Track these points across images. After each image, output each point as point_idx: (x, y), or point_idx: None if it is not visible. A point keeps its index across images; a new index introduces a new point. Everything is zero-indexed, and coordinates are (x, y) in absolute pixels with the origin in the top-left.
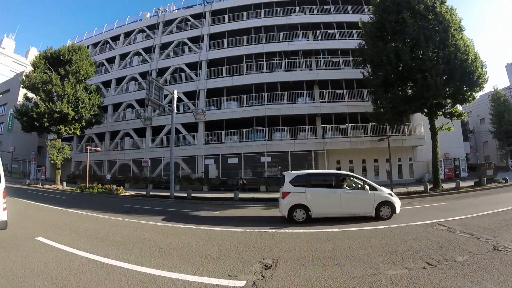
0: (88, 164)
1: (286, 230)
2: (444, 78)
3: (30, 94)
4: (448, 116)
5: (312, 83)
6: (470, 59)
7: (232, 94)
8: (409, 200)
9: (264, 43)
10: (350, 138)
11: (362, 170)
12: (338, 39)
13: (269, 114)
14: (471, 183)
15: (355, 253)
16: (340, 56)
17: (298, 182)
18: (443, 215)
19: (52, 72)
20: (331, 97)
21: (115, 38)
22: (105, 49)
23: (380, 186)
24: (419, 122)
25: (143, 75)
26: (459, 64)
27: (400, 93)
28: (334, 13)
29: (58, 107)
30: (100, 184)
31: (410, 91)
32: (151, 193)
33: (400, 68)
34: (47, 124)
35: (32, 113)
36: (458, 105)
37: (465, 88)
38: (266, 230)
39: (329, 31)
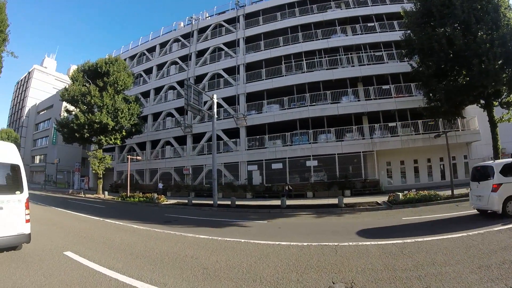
0: (129, 173)
1: (351, 244)
2: (499, 62)
3: (70, 107)
4: (505, 106)
5: (356, 80)
6: None
7: (273, 97)
8: None
9: (302, 42)
10: (401, 137)
11: (414, 171)
12: (379, 32)
13: (313, 115)
14: None
15: (443, 271)
16: (383, 49)
17: (507, 172)
18: None
19: (90, 84)
20: (377, 94)
21: (151, 50)
22: (142, 61)
23: (436, 187)
24: (472, 115)
25: (181, 83)
26: None
27: (457, 81)
28: (371, 5)
29: (97, 117)
30: (141, 193)
31: (464, 80)
32: (193, 201)
33: (451, 55)
34: (88, 134)
35: (72, 125)
36: None
37: None
38: (327, 244)
39: (369, 24)
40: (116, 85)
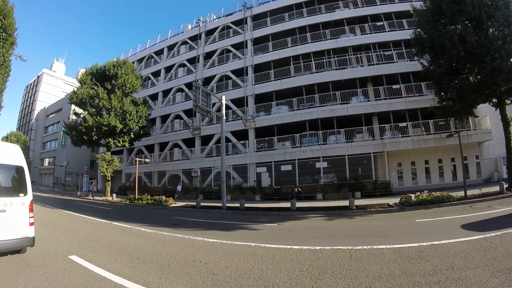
0: (138, 176)
1: (365, 247)
2: None
3: (79, 110)
4: None
5: (365, 80)
6: None
7: (282, 98)
8: (487, 203)
9: (311, 42)
10: (412, 137)
11: (425, 172)
12: (388, 31)
13: (322, 116)
14: None
15: (463, 275)
16: (392, 48)
17: None
18: None
19: (98, 87)
20: (387, 94)
21: (159, 52)
22: (150, 64)
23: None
24: (484, 114)
25: (189, 85)
26: None
27: (469, 79)
28: (380, 4)
29: (105, 120)
30: (149, 195)
31: (476, 78)
32: (201, 204)
33: (463, 53)
34: (96, 137)
35: (81, 127)
36: None
37: None
38: (341, 248)
39: (378, 23)
40: (124, 87)
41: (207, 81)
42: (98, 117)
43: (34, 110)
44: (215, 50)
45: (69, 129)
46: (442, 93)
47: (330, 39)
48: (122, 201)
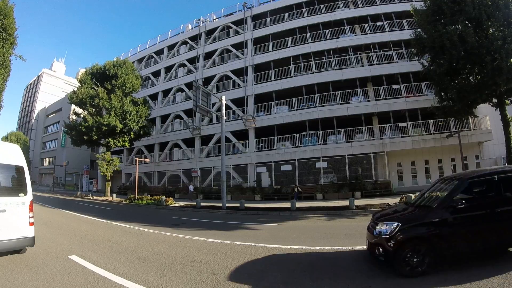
0: (137, 176)
1: (365, 247)
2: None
3: (79, 110)
4: None
5: (365, 80)
6: None
7: (282, 98)
8: None
9: (311, 42)
10: (411, 137)
11: (425, 172)
12: (388, 31)
13: (322, 116)
14: None
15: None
16: (392, 48)
17: None
18: None
19: (98, 87)
20: (387, 94)
21: (159, 52)
22: (150, 64)
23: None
24: (484, 114)
25: (189, 85)
26: None
27: (469, 79)
28: (380, 4)
29: (105, 120)
30: (149, 195)
31: (476, 78)
32: (201, 203)
33: (463, 53)
34: (96, 137)
35: (81, 127)
36: None
37: None
38: (341, 248)
39: (378, 24)
40: (124, 87)
41: (207, 81)
42: (98, 117)
43: (34, 110)
44: (215, 50)
45: (69, 129)
46: (442, 93)
47: (330, 39)
48: (122, 201)
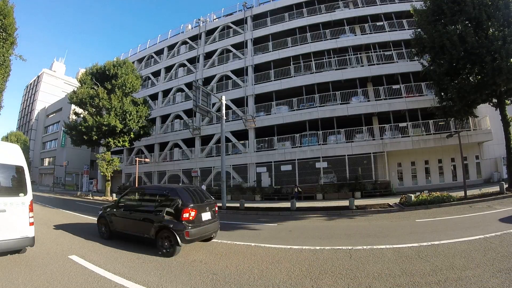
0: (138, 176)
1: (365, 247)
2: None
3: (79, 110)
4: None
5: (366, 80)
6: None
7: (282, 98)
8: (487, 203)
9: (311, 42)
10: (411, 137)
11: (425, 172)
12: (388, 31)
13: (322, 116)
14: None
15: (462, 275)
16: (392, 48)
17: None
18: None
19: (98, 87)
20: (387, 94)
21: (159, 52)
22: (150, 64)
23: (448, 189)
24: (484, 114)
25: (189, 85)
26: None
27: (469, 79)
28: (380, 4)
29: (105, 120)
30: None
31: (476, 78)
32: None
33: (463, 53)
34: (96, 137)
35: (81, 127)
36: None
37: None
38: (341, 248)
39: (378, 23)
40: (124, 87)
41: (207, 81)
42: (98, 117)
43: (34, 110)
44: (215, 50)
45: (69, 129)
46: (442, 93)
47: (330, 39)
48: None
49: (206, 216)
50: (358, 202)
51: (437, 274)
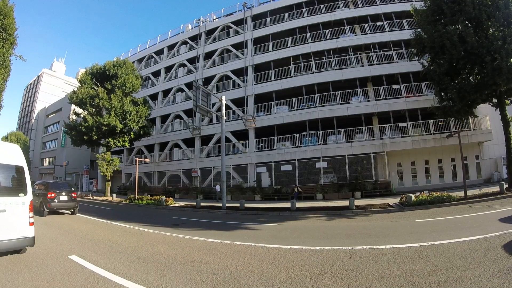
0: (137, 176)
1: (365, 247)
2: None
3: (79, 110)
4: None
5: (366, 80)
6: None
7: (282, 98)
8: (487, 203)
9: (311, 42)
10: (412, 137)
11: (425, 172)
12: (388, 31)
13: (322, 116)
14: None
15: (462, 275)
16: (392, 48)
17: None
18: None
19: (98, 87)
20: (387, 94)
21: (159, 52)
22: (150, 64)
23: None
24: (484, 114)
25: (189, 85)
26: None
27: (469, 79)
28: (380, 4)
29: (105, 120)
30: (149, 195)
31: (476, 78)
32: (201, 204)
33: (463, 53)
34: (96, 137)
35: (81, 127)
36: None
37: None
38: (341, 248)
39: (378, 23)
40: (124, 87)
41: (207, 81)
42: (98, 117)
43: (34, 110)
44: (215, 50)
45: (69, 129)
46: (442, 93)
47: (330, 39)
48: (122, 201)
49: (63, 198)
50: (358, 202)
51: (437, 274)
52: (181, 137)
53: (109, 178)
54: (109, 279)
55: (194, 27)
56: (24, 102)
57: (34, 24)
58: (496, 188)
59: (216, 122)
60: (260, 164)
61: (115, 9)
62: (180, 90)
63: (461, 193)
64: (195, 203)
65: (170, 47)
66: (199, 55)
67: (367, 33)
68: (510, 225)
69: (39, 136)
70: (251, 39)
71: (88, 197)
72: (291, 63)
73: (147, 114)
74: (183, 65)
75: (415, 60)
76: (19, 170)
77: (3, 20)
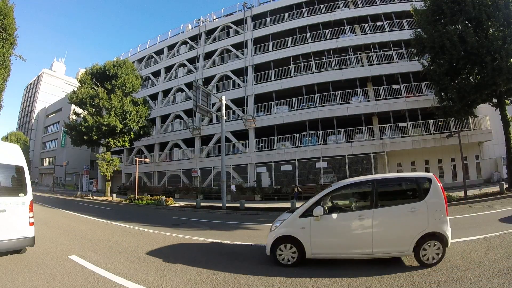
0: (137, 176)
1: None
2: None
3: (79, 110)
4: None
5: (365, 80)
6: None
7: (282, 98)
8: (487, 203)
9: (311, 42)
10: (412, 137)
11: (425, 172)
12: (388, 31)
13: (322, 116)
14: None
15: (462, 275)
16: (392, 48)
17: None
18: None
19: (98, 87)
20: (387, 94)
21: (159, 52)
22: (150, 64)
23: (448, 189)
24: (484, 114)
25: (189, 85)
26: None
27: (469, 79)
28: (380, 4)
29: (105, 120)
30: (149, 195)
31: (476, 78)
32: (201, 204)
33: (463, 53)
34: (96, 137)
35: (81, 127)
36: None
37: None
38: None
39: (378, 23)
40: (124, 87)
41: (207, 81)
42: (98, 117)
43: (34, 110)
44: (215, 50)
45: (69, 129)
46: (442, 93)
47: (330, 39)
48: (122, 201)
49: None
50: None
51: (437, 274)
52: (181, 137)
53: (109, 178)
54: (109, 279)
55: (194, 27)
56: (24, 102)
57: (35, 24)
58: (496, 188)
59: (216, 122)
60: (260, 164)
61: (116, 10)
62: (180, 90)
63: (461, 193)
64: (195, 203)
65: (170, 47)
66: (199, 55)
67: (367, 33)
68: (510, 225)
69: (39, 136)
70: (251, 39)
71: (88, 197)
72: (291, 63)
73: (147, 114)
74: (183, 65)
75: (415, 60)
76: (19, 170)
77: (3, 20)
